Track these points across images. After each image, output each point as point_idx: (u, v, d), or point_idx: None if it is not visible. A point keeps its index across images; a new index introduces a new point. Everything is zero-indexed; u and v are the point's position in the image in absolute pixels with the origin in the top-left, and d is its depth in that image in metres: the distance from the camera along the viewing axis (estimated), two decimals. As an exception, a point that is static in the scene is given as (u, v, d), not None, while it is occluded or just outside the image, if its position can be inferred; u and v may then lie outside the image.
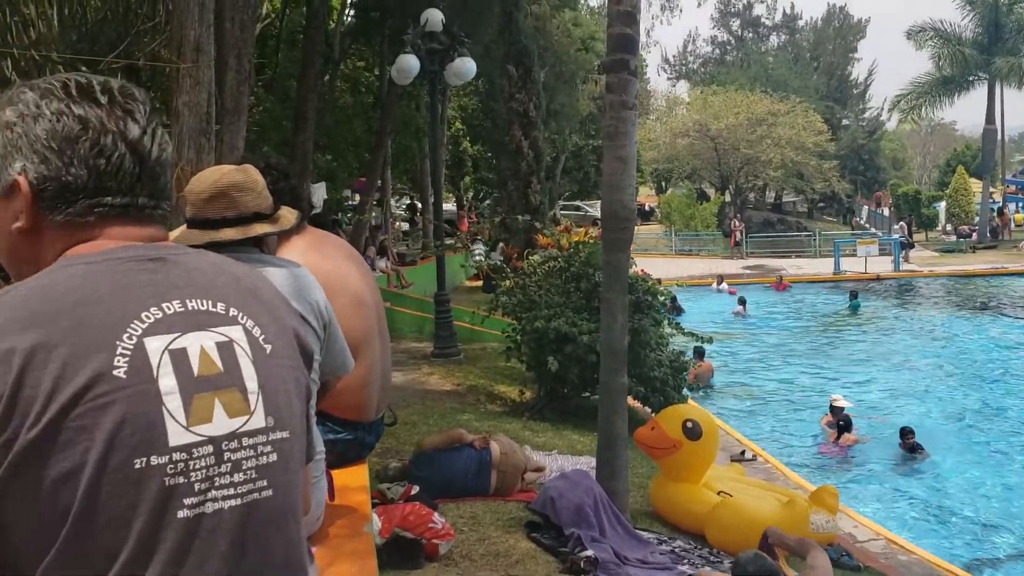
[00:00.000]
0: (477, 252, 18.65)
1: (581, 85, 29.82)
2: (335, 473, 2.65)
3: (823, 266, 29.69)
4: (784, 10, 59.85)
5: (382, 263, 18.87)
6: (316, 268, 2.44)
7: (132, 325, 1.06)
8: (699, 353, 13.66)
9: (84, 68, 14.06)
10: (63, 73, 1.20)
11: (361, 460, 3.17)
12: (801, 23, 59.60)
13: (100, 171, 1.13)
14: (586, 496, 4.72)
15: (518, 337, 8.22)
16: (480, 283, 20.28)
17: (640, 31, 5.50)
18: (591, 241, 8.98)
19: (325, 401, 2.35)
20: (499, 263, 11.63)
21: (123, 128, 1.15)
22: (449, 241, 13.22)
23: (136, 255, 1.13)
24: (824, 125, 41.57)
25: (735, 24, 60.91)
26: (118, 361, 1.03)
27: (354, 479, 2.91)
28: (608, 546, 4.53)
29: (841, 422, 10.58)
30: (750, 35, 60.83)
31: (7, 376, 0.98)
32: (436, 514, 4.13)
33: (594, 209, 39.16)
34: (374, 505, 4.05)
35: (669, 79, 63.90)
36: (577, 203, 41.51)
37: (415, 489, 4.59)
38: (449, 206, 34.84)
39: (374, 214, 20.38)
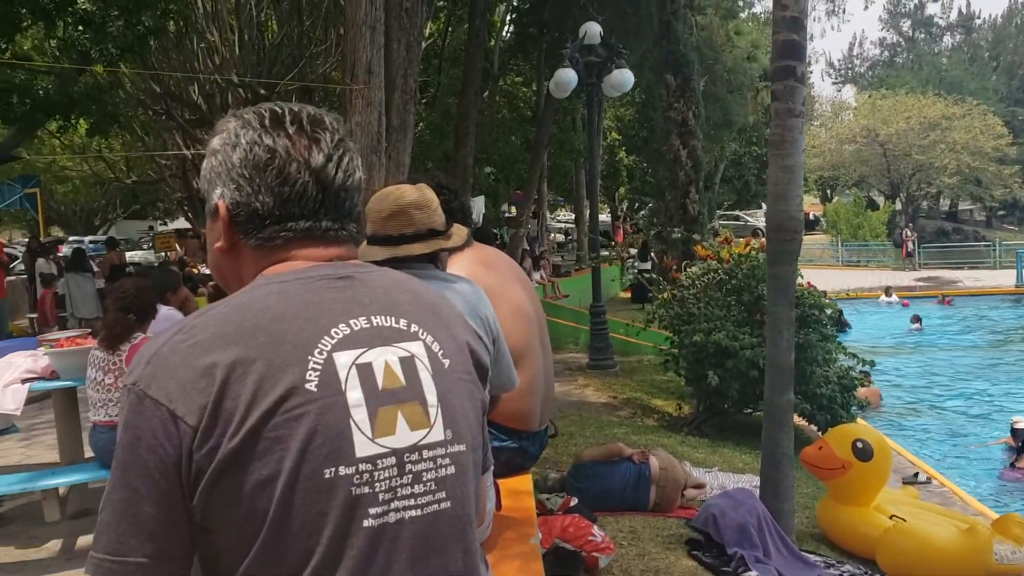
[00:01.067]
0: (634, 264, 18.54)
1: (748, 94, 29.13)
2: (500, 482, 2.69)
3: (1004, 278, 27.64)
4: (960, 9, 56.45)
5: (537, 275, 19.06)
6: (480, 281, 2.50)
7: (322, 341, 1.12)
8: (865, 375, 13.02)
9: (262, 90, 14.95)
10: (266, 103, 1.28)
11: (525, 470, 3.20)
12: (978, 22, 56.02)
13: (285, 198, 1.20)
14: (750, 515, 4.59)
15: (676, 350, 8.09)
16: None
17: (807, 37, 5.32)
18: (753, 253, 8.74)
19: (491, 412, 2.40)
20: (652, 276, 11.51)
21: (308, 156, 1.20)
22: (604, 253, 13.19)
23: (325, 274, 1.19)
24: (1004, 128, 38.85)
25: (905, 25, 58.00)
26: (310, 375, 1.09)
27: (519, 489, 2.94)
28: (773, 568, 4.38)
29: (1022, 444, 9.81)
30: (922, 35, 57.75)
31: (210, 388, 1.05)
32: (595, 527, 4.12)
33: (754, 219, 38.16)
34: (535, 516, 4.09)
35: (834, 84, 61.70)
36: (736, 213, 40.53)
37: (574, 501, 4.59)
38: (604, 217, 34.80)
39: (530, 226, 20.60)
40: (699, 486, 5.49)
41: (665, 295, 8.87)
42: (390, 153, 7.15)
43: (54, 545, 4.71)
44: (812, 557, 4.94)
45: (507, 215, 25.23)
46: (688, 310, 8.30)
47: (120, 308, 4.68)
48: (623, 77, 10.52)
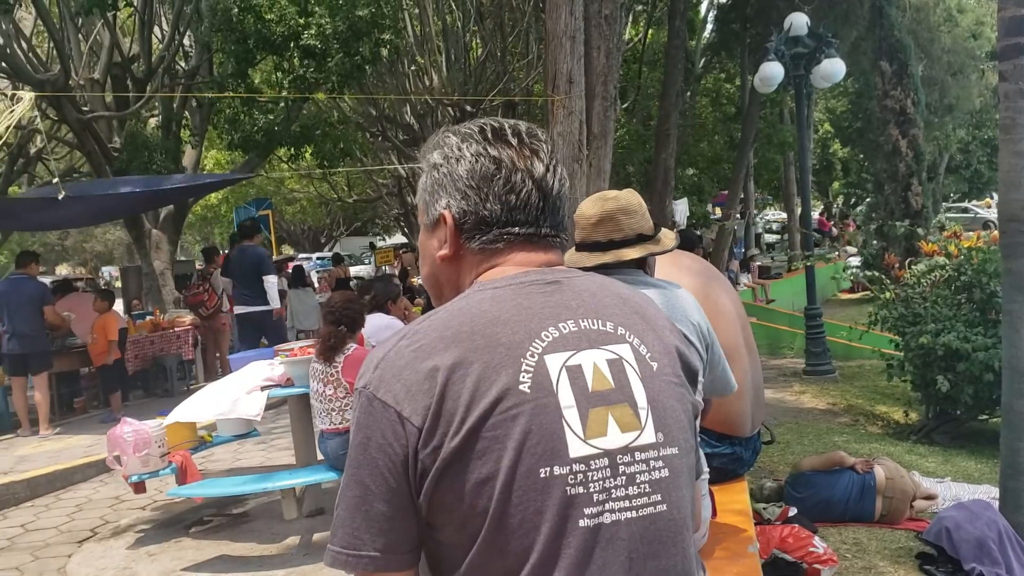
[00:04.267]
0: (853, 262, 17.57)
1: (973, 76, 26.94)
2: (714, 489, 2.66)
3: None
4: None
5: (745, 278, 18.52)
6: (684, 284, 2.48)
7: (534, 343, 1.16)
8: None
9: (468, 107, 15.53)
10: (479, 119, 1.35)
11: (739, 477, 3.14)
12: None
13: (511, 205, 1.26)
14: (989, 529, 4.24)
15: (901, 354, 7.60)
16: (855, 295, 19.13)
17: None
18: (985, 246, 8.06)
19: (703, 417, 2.38)
20: (873, 274, 10.89)
21: (530, 167, 1.27)
22: (820, 251, 12.60)
23: (535, 280, 1.24)
24: None
25: None
26: (523, 376, 1.13)
27: (734, 496, 2.90)
28: (1018, 587, 4.04)
29: None
30: None
31: (433, 390, 1.11)
32: (816, 538, 3.97)
33: (985, 211, 35.14)
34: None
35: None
36: (965, 204, 37.49)
37: (792, 511, 4.44)
38: (815, 214, 33.29)
39: (736, 226, 20.05)
40: (930, 497, 5.15)
41: (888, 295, 8.36)
42: (591, 161, 7.21)
43: (292, 541, 5.06)
44: (1064, 577, 4.50)
45: (713, 216, 24.68)
46: (913, 310, 7.77)
47: (331, 321, 4.98)
48: (833, 67, 10.04)
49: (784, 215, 30.79)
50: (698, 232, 18.35)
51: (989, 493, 5.14)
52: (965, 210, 36.38)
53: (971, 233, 9.83)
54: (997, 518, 4.39)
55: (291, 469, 5.67)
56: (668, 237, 2.33)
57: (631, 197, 2.30)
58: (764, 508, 4.45)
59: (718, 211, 23.59)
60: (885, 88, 18.10)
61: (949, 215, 31.63)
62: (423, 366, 1.13)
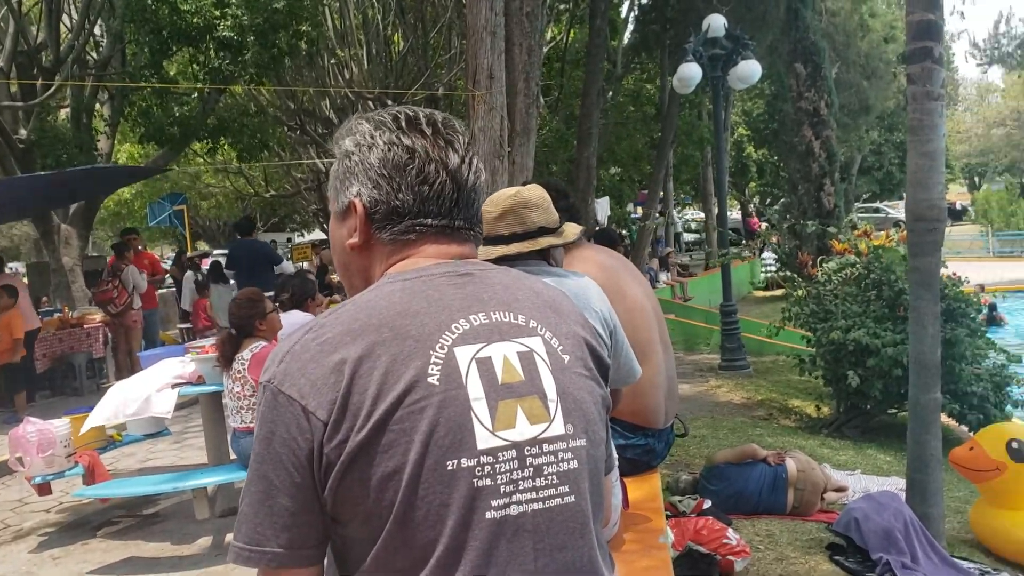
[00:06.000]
0: (767, 261, 18.01)
1: (886, 79, 27.87)
2: (627, 481, 2.66)
3: None
4: (1123, -26, 52.33)
5: (664, 276, 18.79)
6: (596, 278, 2.51)
7: (444, 336, 1.14)
8: None
9: (389, 101, 15.42)
10: (393, 107, 1.32)
11: (652, 469, 3.16)
12: None
13: (424, 196, 1.24)
14: (895, 519, 4.37)
15: (813, 350, 7.79)
16: (770, 293, 19.59)
17: (944, 16, 5.05)
18: (893, 245, 8.32)
19: (615, 407, 2.39)
20: (787, 273, 11.16)
21: (444, 157, 1.25)
22: (735, 250, 12.85)
23: (447, 272, 1.22)
24: None
25: (1060, -4, 54.17)
26: (432, 369, 1.11)
27: (647, 488, 2.90)
28: (921, 574, 4.16)
29: None
30: (1079, 7, 53.81)
31: (339, 384, 1.08)
32: (730, 530, 4.02)
33: (896, 210, 36.44)
34: (667, 518, 4.03)
35: (979, 65, 58.13)
36: (877, 205, 38.83)
37: (707, 503, 4.50)
38: (734, 214, 34.09)
39: (655, 225, 20.35)
40: (840, 489, 5.29)
41: (800, 292, 8.57)
42: (514, 157, 7.20)
43: (205, 541, 4.98)
44: (965, 564, 4.66)
45: (633, 216, 24.99)
46: (825, 307, 7.98)
47: (230, 324, 5.01)
48: (750, 69, 10.25)
49: (702, 214, 31.42)
50: (621, 231, 18.60)
51: (897, 485, 5.30)
52: (876, 210, 37.72)
53: (881, 232, 10.14)
54: (903, 509, 4.52)
55: (203, 468, 5.56)
56: (571, 229, 2.37)
57: (534, 191, 2.34)
58: (679, 501, 4.49)
59: (639, 210, 23.90)
60: (800, 90, 18.61)
61: (861, 215, 32.75)
62: (329, 359, 1.11)
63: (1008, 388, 7.53)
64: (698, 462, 5.62)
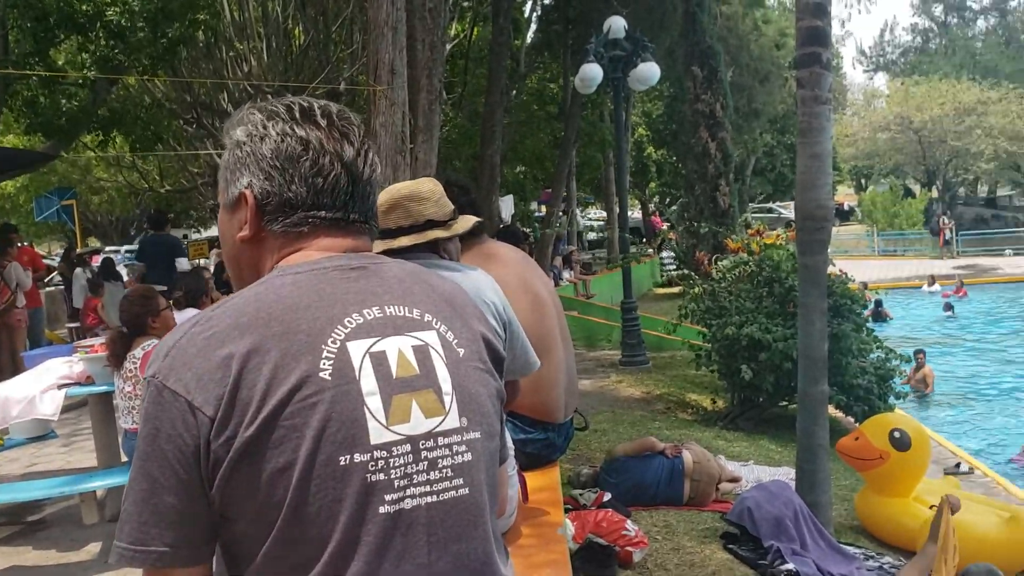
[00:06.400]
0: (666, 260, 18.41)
1: (777, 83, 28.83)
2: (527, 475, 2.68)
3: (1046, 264, 27.10)
4: (994, -9, 55.57)
5: (567, 274, 19.00)
6: (495, 272, 2.53)
7: (336, 330, 1.13)
8: (922, 353, 12.93)
9: (290, 95, 15.15)
10: (288, 97, 1.29)
11: (552, 462, 3.20)
12: (1013, 3, 55.13)
13: (317, 188, 1.22)
14: (786, 508, 4.54)
15: (709, 345, 8.02)
16: (669, 290, 20.03)
17: (832, 22, 5.26)
18: (783, 244, 8.64)
19: (515, 401, 2.41)
20: (683, 271, 11.43)
21: (339, 149, 1.23)
22: (634, 250, 13.11)
23: (339, 265, 1.21)
24: (1044, 112, 38.10)
25: (937, 10, 57.27)
26: (324, 364, 1.10)
27: (546, 482, 2.94)
28: (810, 560, 4.33)
29: None
30: (955, 20, 56.96)
31: (227, 379, 1.06)
32: (629, 521, 4.11)
33: (788, 211, 37.76)
34: (567, 511, 4.08)
35: (866, 71, 60.99)
36: (770, 205, 40.14)
37: (607, 496, 4.58)
38: (635, 214, 34.74)
39: (558, 224, 20.56)
40: (734, 480, 5.45)
41: (696, 290, 8.80)
42: (416, 154, 7.17)
43: (93, 547, 4.78)
44: (851, 549, 4.87)
45: (537, 214, 25.16)
46: (719, 304, 8.23)
47: (121, 322, 4.84)
48: (649, 71, 10.45)
49: (605, 213, 31.90)
50: (525, 229, 18.71)
51: (787, 474, 5.49)
52: (770, 210, 39.04)
53: (773, 232, 10.50)
54: (793, 497, 4.70)
55: (93, 472, 5.34)
56: (462, 222, 2.37)
57: (424, 184, 2.35)
58: (580, 494, 4.56)
59: (543, 208, 24.09)
60: (696, 92, 19.09)
61: (755, 215, 33.81)
62: (216, 354, 1.08)
63: (891, 380, 7.91)
64: (599, 456, 5.71)
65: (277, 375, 1.07)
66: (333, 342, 1.12)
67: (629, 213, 13.59)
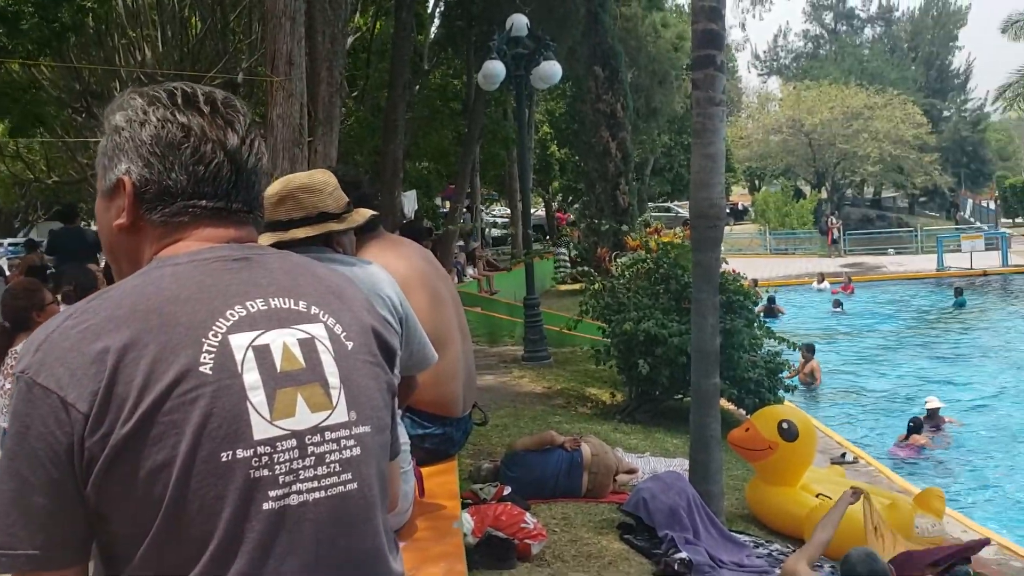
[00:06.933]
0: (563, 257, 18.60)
1: (675, 85, 29.48)
2: (425, 471, 2.69)
3: (925, 263, 28.55)
4: (880, 1, 58.22)
5: (471, 270, 19.01)
6: (392, 266, 2.52)
7: (217, 323, 1.10)
8: (810, 350, 13.43)
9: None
10: (170, 83, 1.25)
11: (450, 457, 3.21)
12: (897, 14, 57.95)
13: (199, 177, 1.19)
14: (679, 498, 4.66)
15: (608, 340, 8.18)
16: (572, 287, 20.27)
17: (726, 26, 5.43)
18: (680, 242, 8.87)
19: (412, 396, 2.40)
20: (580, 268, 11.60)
21: (223, 137, 1.20)
22: (538, 247, 13.21)
23: (221, 256, 1.18)
24: (924, 117, 40.26)
25: (828, 17, 59.65)
26: (204, 357, 1.07)
27: (444, 476, 2.95)
28: (702, 548, 4.46)
29: (911, 424, 10.24)
30: (844, 28, 59.46)
31: (102, 374, 1.03)
32: (528, 514, 4.15)
33: (686, 210, 38.66)
34: (467, 505, 4.10)
35: (760, 75, 62.97)
36: (668, 204, 41.06)
37: (507, 490, 4.61)
38: (539, 211, 35.02)
39: (461, 221, 20.55)
40: (631, 471, 5.56)
41: (596, 286, 8.95)
42: (316, 147, 7.06)
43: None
44: (741, 537, 5.05)
45: (442, 210, 25.09)
46: (618, 300, 8.40)
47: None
48: (551, 69, 10.56)
49: (509, 210, 32.04)
50: (428, 225, 18.63)
51: (682, 465, 5.64)
52: (668, 209, 39.90)
53: (670, 230, 10.77)
54: (687, 488, 4.83)
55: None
56: (357, 215, 2.35)
57: (317, 176, 2.31)
58: (480, 488, 4.58)
59: (447, 204, 24.02)
60: (598, 92, 19.36)
61: (654, 214, 34.51)
62: (91, 348, 1.04)
63: (781, 374, 8.23)
64: (500, 451, 5.75)
65: (155, 370, 1.04)
66: (214, 335, 1.09)
67: (533, 210, 13.74)
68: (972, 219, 41.35)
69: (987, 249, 27.15)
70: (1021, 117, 43.81)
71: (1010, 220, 40.01)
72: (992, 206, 39.81)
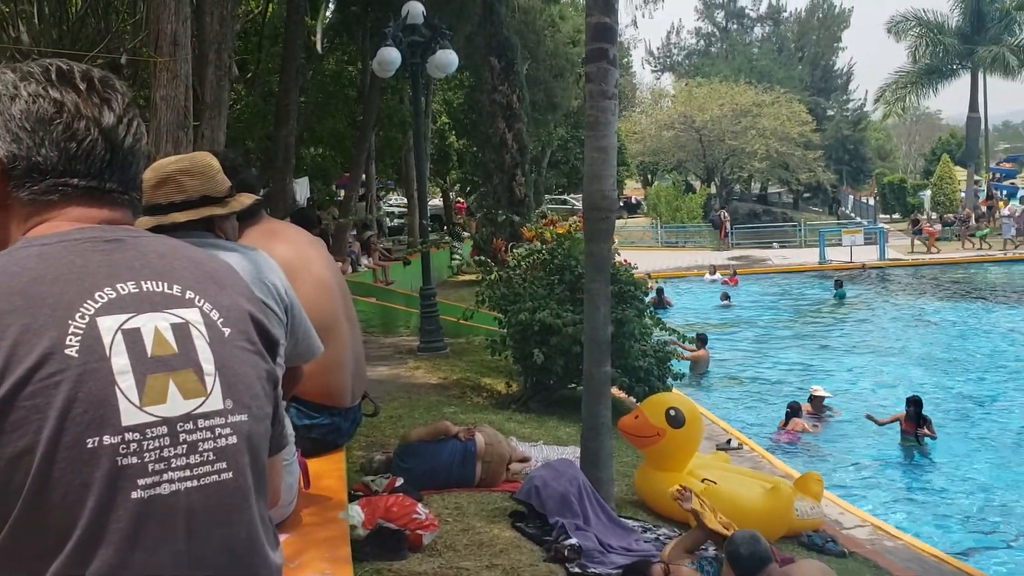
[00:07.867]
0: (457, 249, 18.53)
1: (571, 79, 29.78)
2: (311, 462, 2.64)
3: (809, 256, 29.81)
4: (769, 1, 60.27)
5: (366, 260, 18.78)
6: (276, 253, 2.46)
7: (85, 304, 1.06)
8: (702, 340, 13.80)
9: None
10: (46, 60, 1.21)
11: (338, 448, 3.16)
12: (786, 14, 60.04)
13: (70, 154, 1.15)
14: (570, 485, 4.73)
15: (503, 331, 8.22)
16: (468, 278, 20.27)
17: (619, 19, 5.52)
18: (574, 233, 8.98)
19: (299, 386, 2.35)
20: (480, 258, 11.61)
21: (98, 115, 1.16)
22: (434, 237, 13.16)
23: (92, 236, 1.14)
24: (809, 116, 41.86)
25: (719, 15, 61.36)
26: (70, 340, 1.03)
27: (330, 467, 2.90)
28: (592, 534, 4.54)
29: (789, 410, 10.68)
30: (735, 26, 61.28)
31: None
32: (420, 505, 4.13)
33: (580, 202, 39.11)
34: (358, 498, 4.06)
35: (653, 72, 64.28)
36: (565, 197, 41.52)
37: (399, 481, 4.59)
38: (436, 201, 34.92)
39: (353, 213, 20.27)
40: (524, 460, 5.61)
41: (492, 276, 8.98)
42: (203, 131, 6.84)
43: None
44: (630, 522, 5.15)
45: (338, 198, 24.67)
46: (514, 290, 8.45)
47: None
48: (447, 58, 10.51)
49: (406, 199, 31.80)
50: (319, 212, 18.29)
51: (574, 453, 5.72)
52: (564, 202, 40.36)
53: (565, 222, 10.88)
54: (578, 475, 4.91)
55: None
56: (240, 200, 2.28)
57: (198, 158, 2.24)
58: (372, 480, 4.54)
59: (342, 192, 23.65)
60: (494, 83, 19.38)
61: (551, 206, 34.85)
62: None
63: (669, 363, 8.43)
64: (393, 442, 5.71)
65: (17, 352, 1.00)
66: (81, 317, 1.05)
67: (430, 200, 13.64)
68: (853, 215, 43.31)
69: (866, 243, 28.52)
70: (900, 119, 46.18)
71: (888, 216, 42.08)
72: (871, 202, 41.78)
